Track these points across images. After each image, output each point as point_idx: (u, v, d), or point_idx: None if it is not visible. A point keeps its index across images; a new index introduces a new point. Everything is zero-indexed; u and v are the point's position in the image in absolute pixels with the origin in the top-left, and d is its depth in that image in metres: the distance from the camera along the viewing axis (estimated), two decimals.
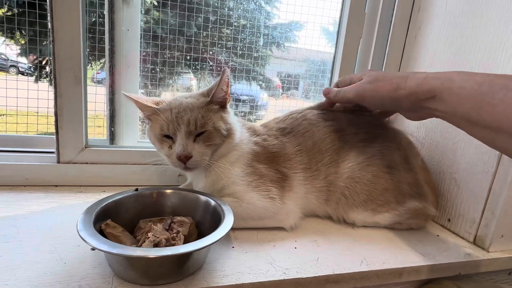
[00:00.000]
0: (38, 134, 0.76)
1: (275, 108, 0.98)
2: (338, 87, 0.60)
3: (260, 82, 0.94)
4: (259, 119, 0.98)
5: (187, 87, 0.89)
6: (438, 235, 0.64)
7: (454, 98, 0.42)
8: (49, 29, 0.61)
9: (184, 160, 0.53)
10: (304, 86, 1.01)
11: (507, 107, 0.36)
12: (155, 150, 0.60)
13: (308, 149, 0.62)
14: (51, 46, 0.61)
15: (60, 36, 0.61)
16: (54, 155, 0.67)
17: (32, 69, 0.81)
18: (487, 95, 0.38)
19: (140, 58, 0.76)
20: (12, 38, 0.76)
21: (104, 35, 0.72)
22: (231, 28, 0.83)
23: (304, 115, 0.65)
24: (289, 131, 0.64)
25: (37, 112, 0.76)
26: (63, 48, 0.62)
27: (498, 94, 0.36)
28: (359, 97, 0.55)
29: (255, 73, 0.90)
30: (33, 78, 0.81)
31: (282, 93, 0.99)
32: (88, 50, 0.70)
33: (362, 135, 0.63)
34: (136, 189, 0.53)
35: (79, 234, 0.38)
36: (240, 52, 0.86)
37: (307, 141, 0.62)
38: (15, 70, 0.84)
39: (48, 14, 0.60)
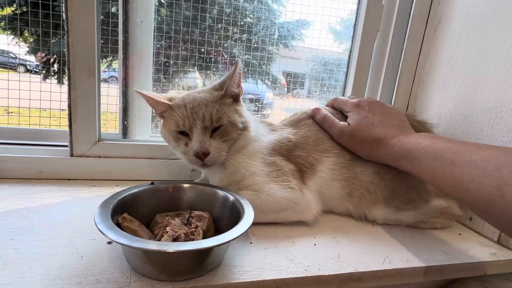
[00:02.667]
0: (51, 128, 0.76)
1: (281, 106, 0.96)
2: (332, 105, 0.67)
3: (266, 81, 0.92)
4: (264, 118, 0.96)
5: (194, 86, 0.88)
6: (460, 234, 0.62)
7: (415, 169, 0.49)
8: (63, 19, 0.60)
9: (202, 157, 0.52)
10: (310, 84, 0.99)
11: (454, 181, 0.41)
12: (167, 144, 0.59)
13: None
14: (65, 37, 0.60)
15: (75, 27, 0.60)
16: (67, 148, 0.66)
17: (40, 67, 0.81)
18: (438, 170, 0.43)
19: (154, 51, 0.75)
20: (20, 36, 0.76)
21: (117, 27, 0.70)
22: (238, 26, 0.82)
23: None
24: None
25: (45, 109, 0.75)
26: (77, 39, 0.61)
27: (448, 170, 0.42)
28: (339, 141, 0.61)
29: (262, 71, 0.89)
30: (41, 76, 0.80)
31: (287, 92, 0.97)
32: (102, 42, 0.69)
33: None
34: (152, 183, 0.52)
35: (98, 227, 0.36)
36: (248, 50, 0.84)
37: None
38: (23, 68, 0.84)
39: (63, 4, 0.59)
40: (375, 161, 0.58)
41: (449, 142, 0.46)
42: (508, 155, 0.37)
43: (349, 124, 0.58)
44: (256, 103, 0.94)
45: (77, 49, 0.61)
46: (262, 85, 0.93)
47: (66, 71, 0.62)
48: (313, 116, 0.65)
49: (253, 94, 0.93)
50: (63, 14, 0.60)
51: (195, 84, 0.88)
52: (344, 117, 0.63)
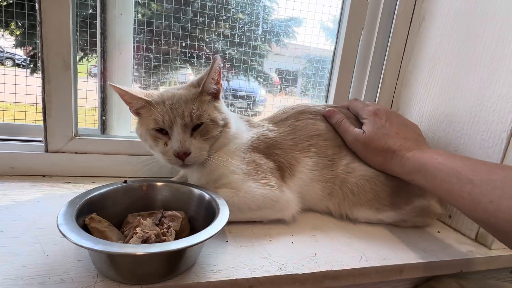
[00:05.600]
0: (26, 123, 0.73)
1: (273, 104, 0.96)
2: (348, 107, 0.66)
3: (259, 78, 0.91)
4: (256, 115, 0.95)
5: (183, 82, 0.86)
6: (439, 232, 0.62)
7: (429, 184, 0.48)
8: (37, 9, 0.58)
9: (183, 157, 0.50)
10: (302, 83, 0.98)
11: (472, 201, 0.40)
12: (144, 143, 0.57)
13: (328, 137, 0.61)
14: (38, 28, 0.58)
15: (48, 17, 0.58)
16: (42, 143, 0.64)
17: (28, 61, 0.78)
18: (454, 188, 0.43)
19: (134, 45, 0.73)
20: (6, 29, 0.73)
21: (95, 19, 0.68)
22: (228, 22, 0.80)
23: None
24: (310, 117, 0.63)
25: (30, 103, 0.72)
26: (51, 31, 0.58)
27: (465, 188, 0.41)
28: (351, 147, 0.60)
29: (254, 68, 0.88)
30: (29, 70, 0.78)
31: (280, 90, 0.96)
32: (78, 34, 0.66)
33: None
34: (125, 181, 0.50)
35: (59, 229, 0.35)
36: (238, 46, 0.83)
37: (329, 132, 0.62)
38: (11, 62, 0.82)
39: None
40: (387, 172, 0.57)
41: (466, 159, 0.45)
42: None
43: (364, 131, 0.58)
44: (250, 100, 0.93)
45: (51, 41, 0.59)
46: (254, 82, 0.92)
47: (40, 63, 0.60)
48: (327, 118, 0.63)
49: (246, 91, 0.92)
50: (36, 4, 0.57)
51: (182, 80, 0.86)
52: (358, 122, 0.62)
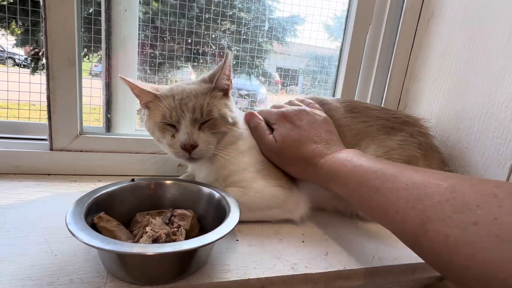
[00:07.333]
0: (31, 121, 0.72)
1: (275, 103, 0.95)
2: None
3: (260, 77, 0.90)
4: None
5: (184, 79, 0.85)
6: None
7: (343, 194, 0.45)
8: (41, 6, 0.57)
9: (189, 149, 0.50)
10: (304, 81, 0.97)
11: (381, 210, 0.37)
12: (152, 136, 0.56)
13: None
14: (43, 24, 0.57)
15: (53, 13, 0.57)
16: (47, 142, 0.63)
17: (28, 61, 0.77)
18: (364, 197, 0.40)
19: (139, 42, 0.72)
20: (7, 28, 0.72)
21: (100, 15, 0.67)
22: (232, 21, 0.79)
23: (329, 103, 0.62)
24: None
25: (33, 103, 0.72)
26: (56, 27, 0.57)
27: (374, 198, 0.38)
28: (267, 156, 0.56)
29: (258, 67, 0.87)
30: (30, 70, 0.77)
31: (281, 89, 0.95)
32: (82, 30, 0.65)
33: (384, 127, 0.60)
34: (133, 180, 0.49)
35: (68, 228, 0.34)
36: (244, 43, 0.82)
37: None
38: (11, 62, 0.81)
39: None
40: (306, 181, 0.54)
41: (374, 163, 0.42)
42: (431, 183, 0.33)
43: (275, 139, 0.54)
44: (251, 98, 0.92)
45: (55, 37, 0.58)
46: (255, 81, 0.91)
47: (44, 60, 0.59)
48: (247, 122, 0.60)
49: (247, 90, 0.91)
50: (41, 0, 0.56)
51: (184, 78, 0.85)
52: None
